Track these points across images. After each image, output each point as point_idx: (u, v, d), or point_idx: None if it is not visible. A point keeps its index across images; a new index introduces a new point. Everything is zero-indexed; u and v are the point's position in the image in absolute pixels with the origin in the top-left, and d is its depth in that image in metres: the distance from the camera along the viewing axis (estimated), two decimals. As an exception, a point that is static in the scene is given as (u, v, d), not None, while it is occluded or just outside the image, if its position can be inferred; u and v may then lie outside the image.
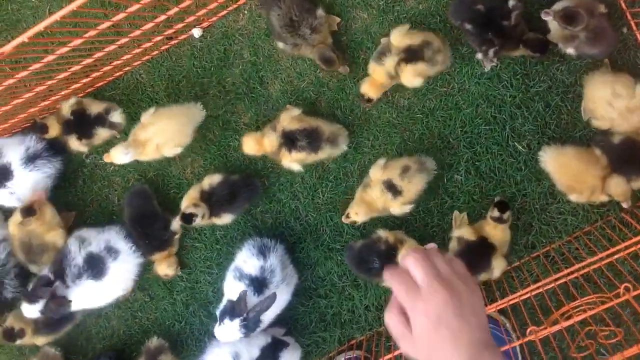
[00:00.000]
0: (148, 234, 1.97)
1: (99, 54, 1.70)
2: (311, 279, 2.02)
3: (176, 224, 2.00)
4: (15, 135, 2.03)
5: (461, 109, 1.89)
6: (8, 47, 1.23)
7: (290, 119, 1.87)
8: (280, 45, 1.91)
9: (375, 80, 1.85)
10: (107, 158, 1.93)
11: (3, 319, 2.10)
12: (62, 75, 1.68)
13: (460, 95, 1.89)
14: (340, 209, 1.96)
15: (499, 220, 1.76)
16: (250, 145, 1.90)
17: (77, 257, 1.93)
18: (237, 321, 1.80)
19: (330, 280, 2.01)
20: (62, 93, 1.85)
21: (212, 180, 1.96)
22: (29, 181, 1.97)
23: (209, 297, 2.10)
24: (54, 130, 1.91)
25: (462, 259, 1.72)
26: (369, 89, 1.86)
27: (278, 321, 1.96)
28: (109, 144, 2.07)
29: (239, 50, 2.03)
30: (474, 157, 1.89)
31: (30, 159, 1.94)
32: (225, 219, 1.98)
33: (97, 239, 1.96)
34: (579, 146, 1.77)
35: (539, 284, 1.76)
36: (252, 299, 1.81)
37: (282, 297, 1.90)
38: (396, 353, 1.84)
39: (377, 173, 1.84)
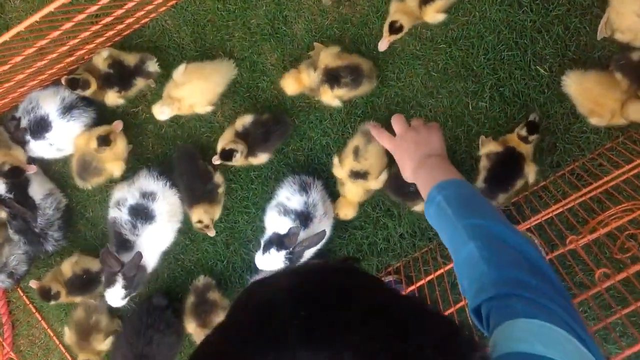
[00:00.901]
0: (194, 178, 2.01)
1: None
2: (346, 212, 2.08)
3: (218, 175, 2.06)
4: (49, 87, 2.02)
5: (483, 36, 1.93)
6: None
7: (331, 56, 1.88)
8: None
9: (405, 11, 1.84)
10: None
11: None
12: (107, 20, 1.68)
13: (482, 23, 1.92)
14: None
15: (524, 139, 1.81)
16: (291, 85, 1.92)
17: (123, 216, 1.98)
18: (283, 253, 1.86)
19: (365, 212, 2.07)
20: (97, 41, 1.85)
21: (244, 121, 1.98)
22: (67, 131, 1.98)
23: (248, 236, 2.16)
24: (92, 86, 1.92)
25: (495, 174, 1.81)
26: (401, 16, 1.83)
27: (316, 255, 2.04)
28: (141, 94, 2.12)
29: (261, -10, 2.03)
30: (498, 83, 1.94)
31: (67, 109, 1.95)
32: (262, 158, 2.01)
33: (131, 192, 1.99)
34: (600, 71, 1.80)
35: (570, 198, 1.83)
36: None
37: (326, 230, 1.96)
38: (431, 277, 1.93)
39: (339, 172, 1.94)
